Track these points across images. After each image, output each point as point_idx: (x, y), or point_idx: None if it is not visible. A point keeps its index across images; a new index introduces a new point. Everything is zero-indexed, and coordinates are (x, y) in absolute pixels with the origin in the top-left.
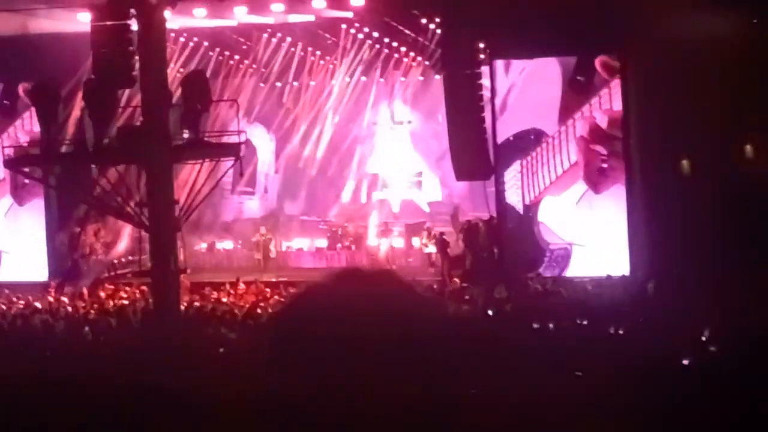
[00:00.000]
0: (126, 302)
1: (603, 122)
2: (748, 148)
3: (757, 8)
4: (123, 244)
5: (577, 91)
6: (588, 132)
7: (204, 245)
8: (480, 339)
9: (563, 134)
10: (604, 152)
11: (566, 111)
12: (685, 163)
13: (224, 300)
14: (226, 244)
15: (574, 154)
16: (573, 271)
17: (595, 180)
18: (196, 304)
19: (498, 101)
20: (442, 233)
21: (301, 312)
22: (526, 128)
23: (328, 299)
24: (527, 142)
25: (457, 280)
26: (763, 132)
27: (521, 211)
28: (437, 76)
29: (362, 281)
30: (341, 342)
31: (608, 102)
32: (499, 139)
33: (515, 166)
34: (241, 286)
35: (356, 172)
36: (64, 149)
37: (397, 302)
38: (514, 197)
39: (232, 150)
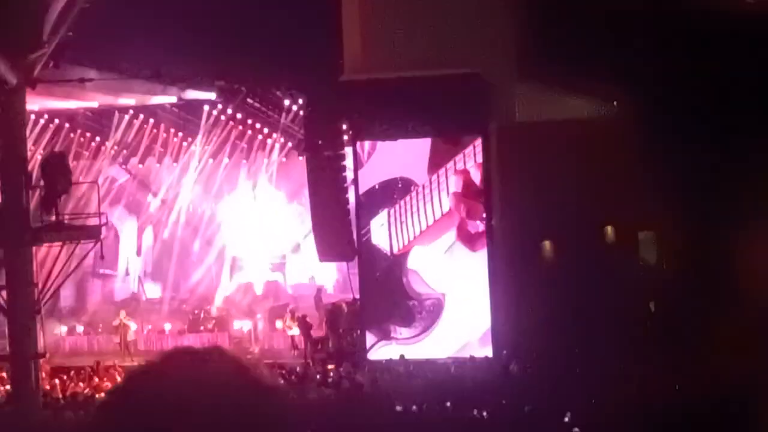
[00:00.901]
0: None
1: (477, 177)
2: (609, 231)
3: (617, 92)
4: None
5: (447, 140)
6: (462, 187)
7: (64, 328)
8: (336, 424)
9: (434, 184)
10: (480, 209)
11: (436, 160)
12: (546, 244)
13: (81, 384)
14: (85, 328)
15: (446, 204)
16: (441, 329)
17: (470, 238)
18: (56, 388)
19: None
20: (304, 315)
21: (128, 393)
22: (392, 176)
23: (155, 379)
24: (393, 190)
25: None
26: (623, 215)
27: (389, 261)
28: (300, 158)
29: (192, 360)
30: (164, 422)
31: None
32: (365, 187)
33: (382, 215)
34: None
35: (219, 253)
36: None
37: (228, 382)
38: (380, 246)
39: (93, 232)
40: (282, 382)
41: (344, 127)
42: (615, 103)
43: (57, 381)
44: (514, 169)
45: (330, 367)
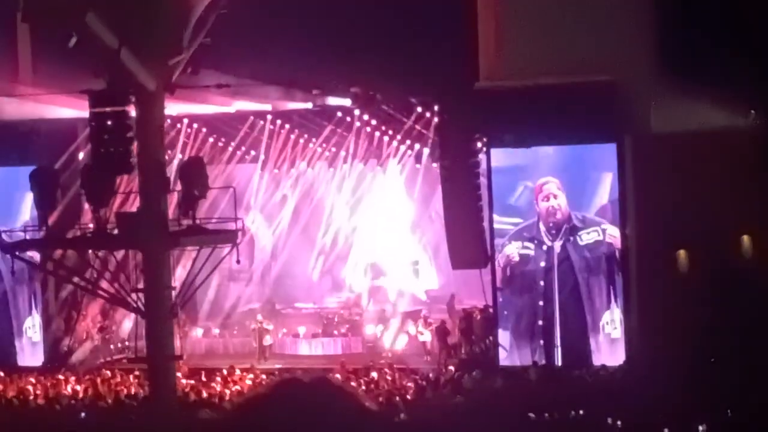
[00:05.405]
0: (122, 388)
1: None
2: (746, 241)
3: (755, 101)
4: (119, 329)
5: None
6: None
7: (200, 331)
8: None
9: None
10: None
11: None
12: (681, 253)
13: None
14: (221, 330)
15: None
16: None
17: None
18: (193, 389)
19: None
20: (443, 321)
21: (243, 421)
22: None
23: (268, 408)
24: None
25: (452, 369)
26: (760, 225)
27: None
28: (434, 164)
29: (300, 390)
30: None
31: None
32: None
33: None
34: (237, 372)
35: (353, 259)
36: (61, 234)
37: (335, 410)
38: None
39: (230, 237)
40: (413, 387)
41: (477, 134)
42: (753, 111)
43: (193, 382)
44: (649, 178)
45: (462, 373)
